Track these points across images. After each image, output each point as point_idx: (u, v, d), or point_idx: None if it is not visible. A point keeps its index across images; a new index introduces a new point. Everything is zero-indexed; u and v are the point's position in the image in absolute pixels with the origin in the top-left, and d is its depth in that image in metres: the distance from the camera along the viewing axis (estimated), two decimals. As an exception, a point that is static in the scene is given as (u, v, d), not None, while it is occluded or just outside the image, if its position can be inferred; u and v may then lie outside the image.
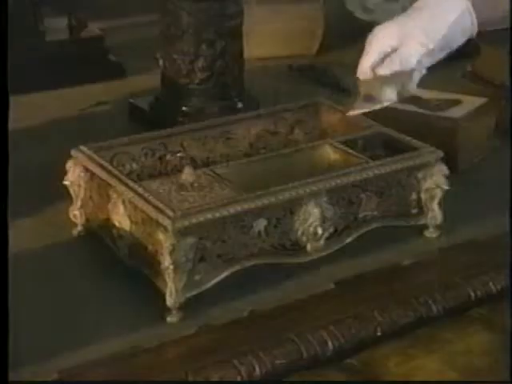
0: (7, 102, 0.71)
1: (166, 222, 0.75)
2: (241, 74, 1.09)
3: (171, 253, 0.75)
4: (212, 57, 1.05)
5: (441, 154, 0.87)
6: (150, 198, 0.78)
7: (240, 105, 1.07)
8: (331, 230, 0.84)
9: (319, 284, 0.81)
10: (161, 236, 0.76)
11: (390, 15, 1.33)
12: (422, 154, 0.87)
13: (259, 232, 0.80)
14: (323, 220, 0.83)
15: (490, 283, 0.82)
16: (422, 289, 0.81)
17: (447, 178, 0.88)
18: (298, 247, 0.82)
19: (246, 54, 1.11)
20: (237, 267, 0.79)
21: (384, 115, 0.90)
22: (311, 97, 0.99)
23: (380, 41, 0.86)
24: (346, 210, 0.84)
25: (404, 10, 1.38)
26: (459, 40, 0.87)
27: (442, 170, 0.87)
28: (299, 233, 0.82)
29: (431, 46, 0.85)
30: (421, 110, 0.99)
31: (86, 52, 1.20)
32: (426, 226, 0.89)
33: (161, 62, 1.08)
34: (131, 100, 1.12)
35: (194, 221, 0.76)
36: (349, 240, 0.85)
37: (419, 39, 0.85)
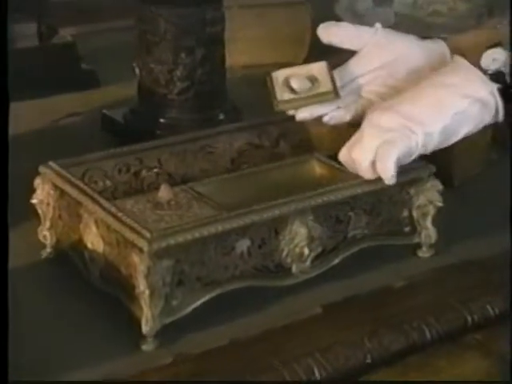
0: (7, 102, 0.74)
1: (141, 244, 0.76)
2: (223, 84, 1.09)
3: (147, 276, 0.75)
4: (192, 65, 1.05)
5: (433, 168, 0.88)
6: (124, 217, 0.78)
7: (222, 116, 1.08)
8: (318, 250, 0.84)
9: (305, 308, 0.81)
10: (135, 258, 0.76)
11: (381, 20, 1.35)
12: (414, 169, 0.87)
13: (241, 253, 0.80)
14: (310, 240, 0.83)
15: (488, 306, 0.82)
16: (414, 313, 0.81)
17: (441, 193, 0.88)
18: (282, 269, 0.82)
19: (229, 61, 1.11)
20: (217, 291, 0.79)
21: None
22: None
23: (377, 134, 0.82)
24: (334, 228, 0.85)
25: (397, 15, 1.42)
26: (466, 131, 0.84)
27: (436, 185, 0.88)
28: (284, 253, 0.82)
29: (420, 140, 0.82)
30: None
31: (56, 60, 1.20)
32: (419, 245, 0.90)
33: (137, 71, 1.08)
34: (105, 111, 1.12)
35: (171, 242, 0.76)
36: (337, 261, 0.85)
37: (410, 135, 0.81)
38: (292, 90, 0.87)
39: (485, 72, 0.84)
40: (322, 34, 0.90)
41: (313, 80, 0.87)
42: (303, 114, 0.87)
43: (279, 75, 0.88)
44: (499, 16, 1.35)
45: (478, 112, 0.83)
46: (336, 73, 0.89)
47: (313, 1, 1.32)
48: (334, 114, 0.87)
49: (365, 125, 0.83)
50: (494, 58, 0.84)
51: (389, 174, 0.82)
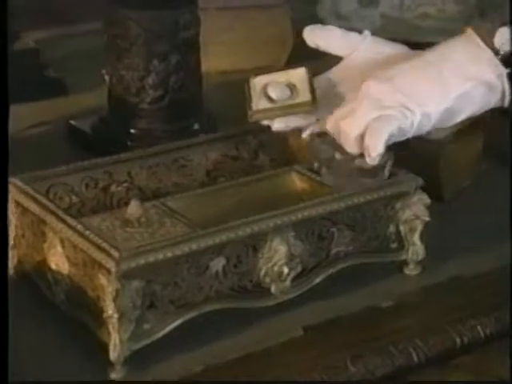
0: (7, 103, 0.76)
1: (109, 264, 0.75)
2: (198, 91, 1.09)
3: (115, 299, 0.75)
4: (165, 72, 1.05)
5: (421, 181, 0.88)
6: (91, 236, 0.78)
7: (197, 126, 1.08)
8: (299, 269, 0.84)
9: (286, 330, 0.81)
10: (103, 280, 0.75)
11: (366, 23, 1.36)
12: (400, 182, 0.88)
13: (217, 273, 0.80)
14: (290, 258, 0.83)
15: (479, 327, 0.82)
16: (401, 335, 0.82)
17: (429, 207, 0.88)
18: (261, 289, 0.82)
19: (205, 67, 1.11)
20: (192, 314, 0.79)
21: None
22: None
23: (372, 107, 0.81)
24: (315, 245, 0.84)
25: (383, 16, 1.42)
26: (468, 114, 0.83)
27: (423, 199, 0.88)
28: (263, 273, 0.82)
29: (416, 121, 0.81)
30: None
31: (19, 67, 1.19)
32: (406, 263, 0.90)
33: (107, 79, 1.08)
34: (72, 122, 1.12)
35: (141, 262, 0.76)
36: (319, 280, 0.85)
37: (405, 110, 0.80)
38: (269, 99, 0.87)
39: (497, 52, 0.82)
40: (308, 37, 0.90)
41: (292, 88, 0.87)
42: (279, 125, 0.87)
43: (257, 82, 0.88)
44: (491, 18, 1.36)
45: (482, 95, 0.82)
46: (318, 80, 0.88)
47: (293, 2, 1.33)
48: (314, 128, 0.86)
49: (360, 95, 0.82)
50: (509, 38, 0.82)
51: (375, 152, 0.80)
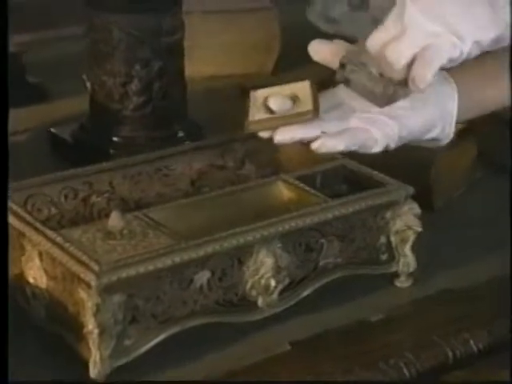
0: (7, 103, 0.76)
1: (90, 278, 0.75)
2: (183, 98, 1.09)
3: (95, 314, 0.74)
4: (148, 78, 1.06)
5: (411, 189, 0.88)
6: (71, 248, 0.78)
7: (181, 134, 1.08)
8: (286, 281, 0.84)
9: (273, 345, 0.81)
10: (83, 294, 0.75)
11: (357, 26, 1.36)
12: (390, 191, 0.88)
13: (201, 286, 0.80)
14: (277, 270, 0.83)
15: (471, 341, 0.83)
16: (392, 349, 0.82)
17: (420, 217, 0.89)
18: (247, 303, 0.82)
19: (190, 72, 1.12)
20: (175, 329, 0.79)
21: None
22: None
23: (421, 36, 0.79)
24: (303, 257, 0.85)
25: (374, 20, 1.42)
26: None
27: (414, 208, 0.88)
28: (249, 286, 0.82)
29: (466, 49, 0.80)
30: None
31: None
32: (397, 275, 0.90)
33: (88, 85, 1.08)
34: (52, 129, 1.12)
35: (123, 275, 0.76)
36: (307, 293, 0.85)
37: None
38: (269, 110, 0.84)
39: None
40: (315, 51, 0.87)
41: (294, 100, 0.85)
42: (281, 137, 0.82)
43: (258, 95, 0.86)
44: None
45: None
46: (325, 95, 0.86)
47: (281, 6, 1.33)
48: (324, 141, 0.82)
49: (407, 22, 0.80)
50: None
51: (423, 84, 0.80)
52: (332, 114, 0.84)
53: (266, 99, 0.85)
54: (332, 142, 0.81)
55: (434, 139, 0.86)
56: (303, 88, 0.85)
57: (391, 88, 0.82)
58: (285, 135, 0.82)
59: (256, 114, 0.84)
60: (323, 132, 0.82)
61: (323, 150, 0.81)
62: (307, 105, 0.83)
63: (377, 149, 0.83)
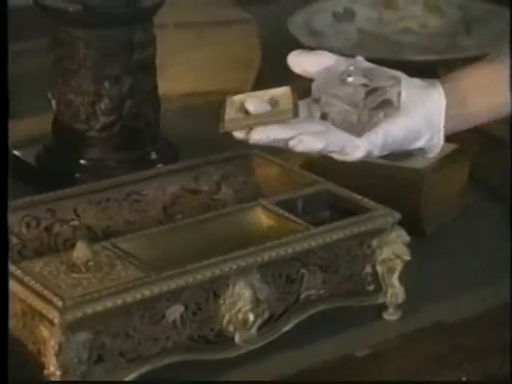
0: (7, 103, 0.78)
1: (52, 314, 0.74)
2: (156, 117, 1.09)
3: (58, 354, 0.74)
4: (118, 96, 1.05)
5: (398, 216, 0.88)
6: (32, 282, 0.77)
7: (154, 156, 1.08)
8: (266, 315, 0.84)
9: (252, 384, 0.81)
10: (45, 332, 0.75)
11: (342, 38, 1.37)
12: (376, 217, 0.88)
13: (174, 322, 0.80)
14: (255, 303, 0.82)
15: (464, 378, 0.82)
16: (379, 387, 0.82)
17: (410, 244, 0.89)
18: (224, 339, 0.82)
19: (163, 89, 1.12)
20: (146, 368, 0.79)
21: (329, 167, 0.92)
22: (243, 145, 1.00)
23: None
24: (284, 289, 0.84)
25: (360, 31, 1.43)
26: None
27: (402, 236, 0.88)
28: (225, 321, 0.82)
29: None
30: (376, 160, 1.01)
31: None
32: (384, 307, 0.90)
33: (53, 103, 1.08)
34: (14, 151, 1.11)
35: (88, 311, 0.75)
36: (288, 327, 0.85)
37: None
38: (246, 113, 0.85)
39: None
40: (295, 62, 0.88)
41: (273, 104, 0.85)
42: (257, 136, 0.83)
43: (236, 99, 0.86)
44: (478, 35, 1.37)
45: None
46: (305, 101, 0.86)
47: (261, 18, 1.34)
48: (302, 138, 0.83)
49: None
50: None
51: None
52: (312, 119, 0.84)
53: (243, 103, 0.85)
54: (311, 139, 0.82)
55: (421, 149, 0.86)
56: (283, 93, 0.86)
57: (365, 116, 0.83)
58: (261, 135, 0.82)
59: (232, 114, 0.84)
60: (300, 133, 0.82)
61: (301, 147, 0.82)
62: (286, 105, 0.84)
63: (359, 155, 0.83)
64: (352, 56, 0.88)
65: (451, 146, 1.03)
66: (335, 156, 0.84)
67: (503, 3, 1.38)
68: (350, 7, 1.42)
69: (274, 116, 0.83)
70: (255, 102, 0.84)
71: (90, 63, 1.04)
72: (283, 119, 0.82)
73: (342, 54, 0.88)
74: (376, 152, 0.84)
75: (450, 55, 1.30)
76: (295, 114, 0.83)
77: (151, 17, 1.08)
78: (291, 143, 0.82)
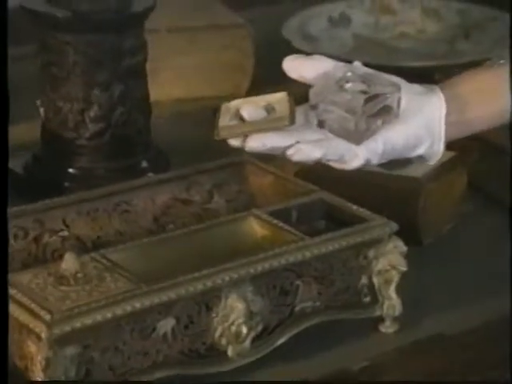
0: (7, 103, 0.76)
1: (39, 328, 0.74)
2: (146, 124, 1.09)
3: (45, 369, 0.74)
4: (108, 104, 1.05)
5: (395, 226, 0.88)
6: (19, 295, 0.77)
7: (144, 165, 1.08)
8: (259, 328, 0.83)
9: (244, 400, 0.81)
10: (32, 347, 0.75)
11: (337, 44, 1.37)
12: (373, 227, 0.88)
13: (165, 335, 0.79)
14: (249, 316, 0.82)
15: (463, 390, 0.83)
16: (376, 401, 0.82)
17: (407, 254, 0.88)
18: (216, 352, 0.82)
19: (155, 95, 1.12)
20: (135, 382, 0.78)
21: (325, 176, 0.92)
22: (237, 152, 1.00)
23: None
24: (278, 301, 0.84)
25: (356, 37, 1.43)
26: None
27: (399, 246, 0.88)
28: (218, 334, 0.82)
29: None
30: (372, 168, 1.01)
31: None
32: (381, 319, 0.89)
33: (41, 111, 1.08)
34: (2, 160, 1.12)
35: (77, 325, 0.75)
36: (283, 340, 0.85)
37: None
38: (241, 120, 0.84)
39: None
40: (290, 68, 0.87)
41: (269, 110, 0.85)
42: (254, 144, 0.82)
43: (231, 105, 0.86)
44: (477, 40, 1.37)
45: None
46: (303, 108, 0.86)
47: (255, 22, 1.34)
48: (300, 147, 0.82)
49: None
50: None
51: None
52: (311, 126, 0.84)
53: (238, 109, 0.85)
54: (309, 148, 0.81)
55: (421, 157, 0.86)
56: (280, 99, 0.85)
57: (363, 124, 0.83)
58: (257, 142, 0.81)
59: (226, 121, 0.84)
60: (298, 142, 0.82)
61: (298, 157, 0.81)
62: (283, 111, 0.84)
63: (358, 163, 0.83)
64: (348, 61, 0.88)
65: (449, 154, 1.03)
66: (333, 165, 0.83)
67: (503, 8, 1.38)
68: (346, 12, 1.42)
69: (270, 123, 0.83)
70: (251, 108, 0.84)
71: (79, 70, 1.04)
72: (279, 126, 0.82)
73: (337, 59, 0.88)
74: (375, 160, 0.84)
75: (449, 61, 1.30)
76: (292, 120, 0.82)
77: (142, 22, 1.08)
78: (289, 152, 0.81)
